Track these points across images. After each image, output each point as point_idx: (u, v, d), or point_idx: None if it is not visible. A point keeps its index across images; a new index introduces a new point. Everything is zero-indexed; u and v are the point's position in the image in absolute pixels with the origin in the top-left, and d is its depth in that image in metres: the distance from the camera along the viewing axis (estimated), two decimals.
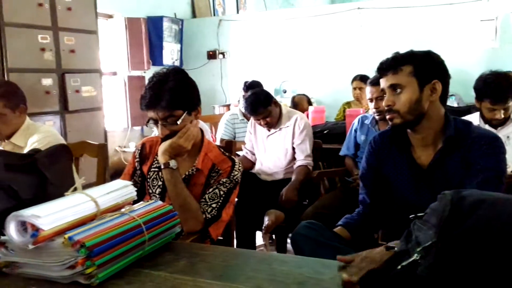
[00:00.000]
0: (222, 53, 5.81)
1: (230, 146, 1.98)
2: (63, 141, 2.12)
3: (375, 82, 2.50)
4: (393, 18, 4.85)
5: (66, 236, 0.93)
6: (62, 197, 1.07)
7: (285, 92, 5.41)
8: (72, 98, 3.59)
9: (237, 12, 7.21)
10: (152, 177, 1.72)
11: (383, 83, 1.51)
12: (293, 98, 4.32)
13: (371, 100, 2.55)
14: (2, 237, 0.98)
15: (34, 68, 3.33)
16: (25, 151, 1.95)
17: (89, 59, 3.79)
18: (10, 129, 2.06)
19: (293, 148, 2.83)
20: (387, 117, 1.51)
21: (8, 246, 0.98)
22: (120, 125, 5.11)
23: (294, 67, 5.42)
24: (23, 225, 0.95)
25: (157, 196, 1.69)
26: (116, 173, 2.52)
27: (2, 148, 2.08)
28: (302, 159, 2.77)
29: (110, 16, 5.01)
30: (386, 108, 1.50)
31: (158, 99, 1.54)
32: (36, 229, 0.93)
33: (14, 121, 2.06)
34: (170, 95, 1.53)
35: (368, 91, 2.56)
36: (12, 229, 0.95)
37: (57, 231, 0.95)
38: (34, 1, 3.28)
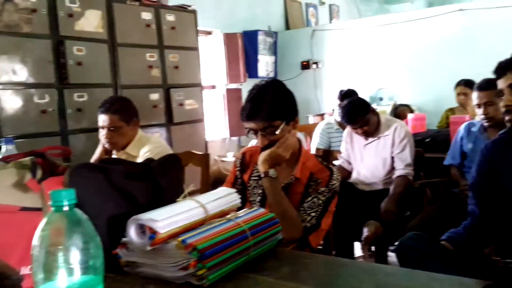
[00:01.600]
0: (316, 63, 5.81)
1: (327, 155, 1.98)
2: (171, 151, 2.28)
3: (483, 87, 2.34)
4: (499, 18, 4.49)
5: (180, 239, 0.99)
6: (174, 203, 1.14)
7: (381, 99, 5.25)
8: (176, 111, 3.83)
9: (330, 22, 7.18)
10: (253, 185, 1.77)
11: (502, 83, 1.41)
12: (395, 108, 4.18)
13: (478, 106, 2.39)
14: (124, 239, 1.07)
15: (143, 84, 3.61)
16: (138, 160, 2.13)
17: (191, 74, 4.02)
18: (125, 140, 2.26)
19: (392, 158, 2.74)
20: (506, 118, 1.41)
21: (129, 247, 1.07)
22: (219, 136, 5.33)
23: (390, 74, 5.25)
24: (141, 228, 1.04)
25: (258, 204, 1.74)
26: (216, 182, 2.64)
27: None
28: (401, 168, 2.67)
29: (209, 33, 5.28)
30: (504, 109, 1.40)
31: (257, 110, 1.59)
32: (154, 232, 1.00)
33: (129, 133, 2.26)
34: (269, 106, 1.58)
35: (476, 96, 2.41)
36: (132, 232, 1.04)
37: (171, 234, 1.02)
38: (143, 22, 3.57)
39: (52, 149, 1.08)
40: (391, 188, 2.63)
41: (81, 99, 3.15)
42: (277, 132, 1.60)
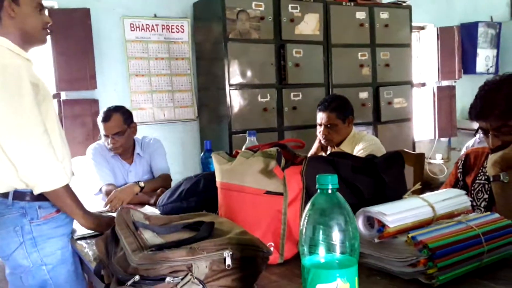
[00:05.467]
0: None
1: None
2: (384, 150, 2.27)
3: None
4: None
5: (410, 235, 0.99)
6: (398, 199, 1.15)
7: None
8: (384, 110, 3.80)
9: None
10: (477, 189, 1.64)
11: None
12: None
13: None
14: None
15: (353, 83, 3.68)
16: None
17: (402, 72, 3.92)
18: (340, 137, 2.35)
19: None
20: None
21: None
22: (426, 136, 5.06)
23: None
24: (369, 220, 1.08)
25: (482, 210, 1.60)
26: (423, 184, 2.51)
27: None
28: None
29: (422, 28, 5.04)
30: None
31: (490, 108, 1.47)
32: (382, 225, 1.03)
33: (343, 131, 2.34)
34: (505, 103, 1.44)
35: None
36: (360, 223, 1.08)
37: (400, 230, 1.03)
38: (356, 22, 3.63)
39: (291, 141, 1.21)
40: None
41: (296, 98, 3.39)
42: None
